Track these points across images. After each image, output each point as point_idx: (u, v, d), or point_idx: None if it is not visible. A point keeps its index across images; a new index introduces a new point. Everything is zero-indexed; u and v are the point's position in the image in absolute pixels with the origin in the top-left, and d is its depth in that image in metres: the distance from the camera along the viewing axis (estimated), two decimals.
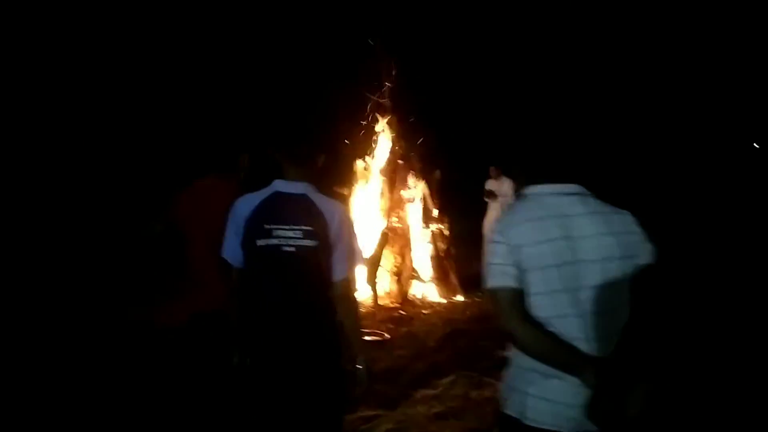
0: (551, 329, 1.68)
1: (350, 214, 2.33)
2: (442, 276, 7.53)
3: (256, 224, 2.21)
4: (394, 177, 7.61)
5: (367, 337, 5.69)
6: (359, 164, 7.78)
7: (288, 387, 2.21)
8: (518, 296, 1.70)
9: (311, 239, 2.16)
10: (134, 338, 5.10)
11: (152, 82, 10.42)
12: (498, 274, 1.72)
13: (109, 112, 10.39)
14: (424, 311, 6.85)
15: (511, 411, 1.77)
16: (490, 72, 11.07)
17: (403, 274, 7.30)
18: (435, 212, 7.83)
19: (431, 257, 7.64)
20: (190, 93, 10.43)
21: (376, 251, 7.17)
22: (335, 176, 7.88)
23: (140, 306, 6.04)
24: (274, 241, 2.17)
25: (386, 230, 7.34)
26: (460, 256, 8.52)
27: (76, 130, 10.17)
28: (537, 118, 1.96)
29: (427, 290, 7.44)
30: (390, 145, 7.80)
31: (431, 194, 7.88)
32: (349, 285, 2.27)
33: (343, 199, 7.75)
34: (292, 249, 2.16)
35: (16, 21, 9.48)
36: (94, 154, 10.17)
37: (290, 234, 2.17)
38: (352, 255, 2.26)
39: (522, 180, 1.89)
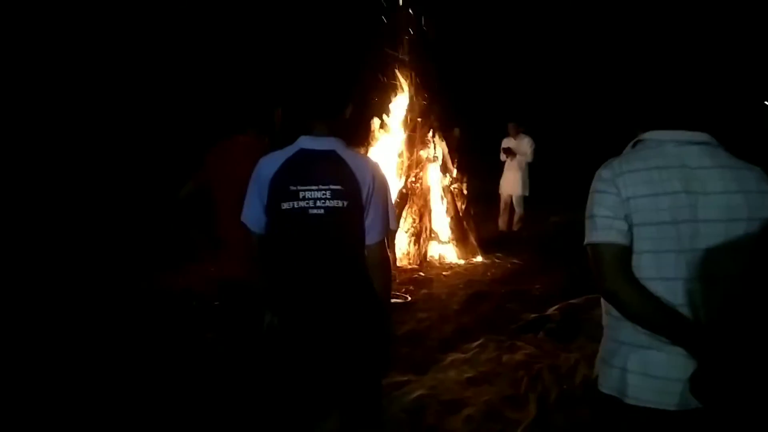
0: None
1: (383, 171, 2.11)
2: (461, 237, 7.38)
3: (281, 186, 2.01)
4: (412, 135, 7.38)
5: (407, 297, 5.61)
6: (376, 122, 7.54)
7: (326, 353, 2.08)
8: (626, 254, 1.54)
9: (341, 200, 1.98)
10: (155, 304, 5.02)
11: (183, 41, 10.11)
12: (603, 228, 1.55)
13: (143, 72, 10.12)
14: (443, 273, 6.73)
15: (607, 389, 1.61)
16: (509, 26, 10.67)
17: (422, 235, 7.15)
18: (454, 171, 7.63)
19: (450, 217, 7.47)
20: (220, 49, 10.13)
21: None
22: (352, 134, 7.67)
23: (166, 271, 5.96)
24: (301, 204, 1.99)
25: (405, 190, 7.17)
26: (478, 217, 8.38)
27: (111, 89, 9.94)
28: (665, 51, 1.72)
29: (445, 251, 7.31)
30: (408, 102, 7.54)
31: (450, 153, 7.66)
32: (383, 249, 2.10)
33: None
34: (320, 211, 1.98)
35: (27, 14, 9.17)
36: (129, 113, 9.97)
37: (318, 195, 1.98)
38: (386, 217, 2.08)
39: (638, 124, 1.68)
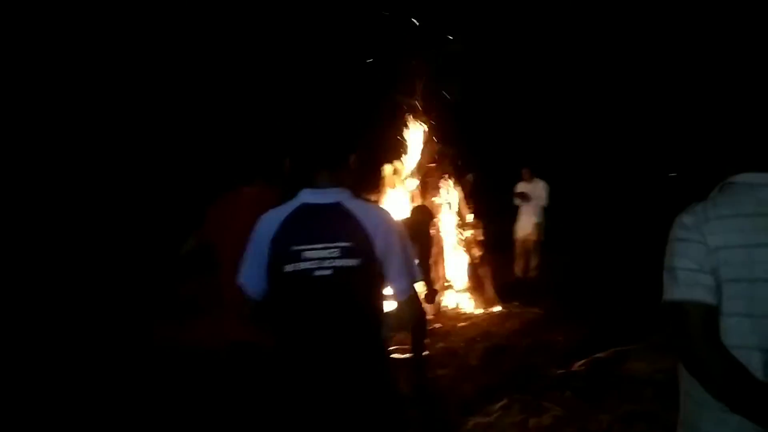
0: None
1: (396, 220, 1.93)
2: (477, 285, 7.13)
3: (282, 246, 1.82)
4: (426, 181, 7.24)
5: (405, 355, 5.33)
6: (388, 168, 7.41)
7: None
8: (713, 315, 1.34)
9: (352, 257, 1.77)
10: (159, 358, 4.79)
11: (190, 85, 10.11)
12: (687, 284, 1.35)
13: (148, 115, 10.10)
14: (459, 324, 6.46)
15: None
16: (522, 70, 10.66)
17: (437, 284, 6.91)
18: (469, 217, 7.44)
19: (466, 265, 7.24)
20: (228, 95, 10.11)
21: None
22: (364, 181, 7.54)
23: (167, 324, 5.74)
24: (306, 265, 1.78)
25: None
26: (494, 263, 8.14)
27: (114, 134, 9.91)
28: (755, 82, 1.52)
29: (461, 300, 7.05)
30: (421, 147, 7.43)
31: (465, 198, 7.48)
32: (415, 303, 1.97)
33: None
34: (328, 272, 1.77)
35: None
36: (133, 160, 9.91)
37: (324, 254, 1.77)
38: (409, 267, 1.89)
39: (723, 167, 1.48)
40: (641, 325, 5.54)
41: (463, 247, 7.28)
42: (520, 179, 8.45)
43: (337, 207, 1.84)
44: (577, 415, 3.90)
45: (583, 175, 11.35)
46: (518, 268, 8.58)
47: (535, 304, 7.02)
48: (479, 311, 6.93)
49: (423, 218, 5.07)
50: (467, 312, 6.88)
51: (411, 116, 7.40)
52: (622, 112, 11.37)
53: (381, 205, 1.93)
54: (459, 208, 7.39)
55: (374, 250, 1.79)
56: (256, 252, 1.88)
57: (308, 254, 1.79)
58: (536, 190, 8.27)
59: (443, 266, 7.03)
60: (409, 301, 1.92)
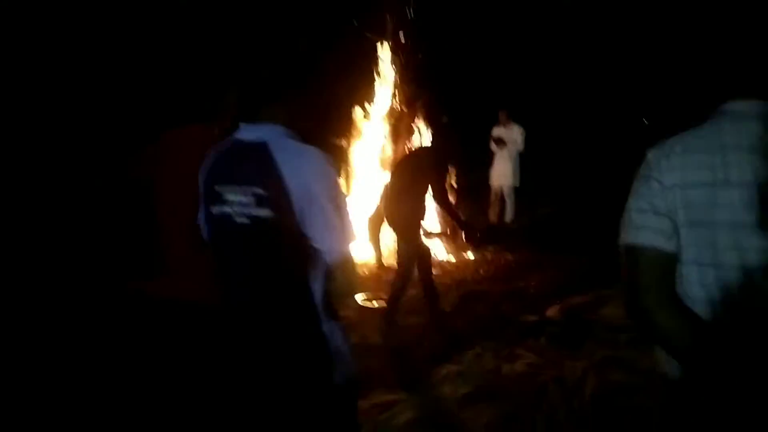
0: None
1: (330, 167, 1.57)
2: (450, 232, 6.94)
3: (208, 185, 1.61)
4: (397, 125, 6.92)
5: (374, 303, 5.17)
6: (358, 112, 7.08)
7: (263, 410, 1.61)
8: (669, 263, 1.17)
9: (264, 208, 1.48)
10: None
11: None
12: (641, 227, 1.18)
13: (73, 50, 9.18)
14: (433, 270, 6.27)
15: None
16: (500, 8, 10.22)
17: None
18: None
19: (438, 211, 7.03)
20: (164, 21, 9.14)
21: (379, 207, 6.57)
22: (332, 126, 7.20)
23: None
24: (227, 209, 1.55)
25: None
26: (468, 209, 7.97)
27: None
28: None
29: (434, 247, 6.86)
30: (392, 90, 7.08)
31: (437, 141, 7.20)
32: (347, 271, 1.55)
33: (341, 152, 7.11)
34: (246, 221, 1.51)
35: None
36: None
37: (243, 199, 1.51)
38: (337, 225, 1.52)
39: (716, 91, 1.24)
40: (617, 269, 5.46)
41: None
42: (497, 123, 8.20)
43: (261, 147, 1.53)
44: (551, 362, 3.79)
45: (562, 121, 11.12)
46: (492, 215, 8.43)
47: (509, 250, 6.90)
48: (452, 258, 6.77)
49: (426, 157, 4.80)
50: (440, 259, 6.71)
51: (381, 55, 7.01)
52: (604, 53, 11.07)
53: (315, 150, 1.56)
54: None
55: (290, 200, 1.47)
56: (200, 191, 1.66)
57: (229, 197, 1.55)
58: (512, 134, 8.04)
59: None
60: (341, 267, 1.53)
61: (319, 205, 1.49)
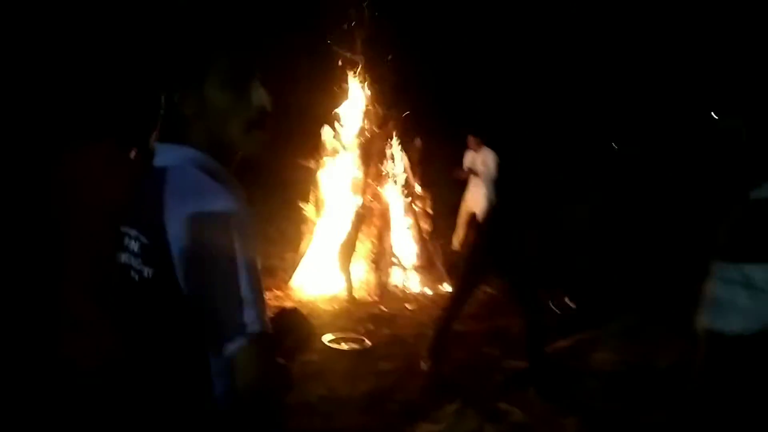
0: None
1: (242, 212, 1.06)
2: (426, 262, 6.50)
3: (116, 225, 1.19)
4: (369, 147, 6.49)
5: (343, 345, 4.66)
6: (327, 132, 6.62)
7: None
8: None
9: (148, 263, 1.08)
10: None
11: None
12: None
13: None
14: (408, 305, 5.83)
15: None
16: (478, 22, 9.94)
17: (382, 261, 6.25)
18: (417, 188, 6.76)
19: (414, 240, 6.59)
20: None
21: (350, 235, 6.12)
22: (299, 146, 6.75)
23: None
24: (125, 259, 1.14)
25: (361, 210, 6.26)
26: (443, 238, 7.55)
27: None
28: None
29: (409, 279, 6.41)
30: (363, 109, 6.65)
31: (412, 167, 6.79)
32: (251, 365, 1.06)
33: (310, 174, 6.64)
34: (137, 277, 1.10)
35: None
36: None
37: (134, 247, 1.11)
38: (243, 297, 1.04)
39: None
40: (603, 308, 5.10)
41: (411, 220, 6.62)
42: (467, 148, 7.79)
43: (162, 174, 1.10)
44: (540, 420, 3.37)
45: (539, 144, 10.82)
46: (456, 240, 7.99)
47: (488, 283, 6.47)
48: (429, 291, 6.31)
49: None
50: (415, 292, 6.26)
51: (352, 73, 6.59)
52: (577, 74, 10.88)
53: (223, 186, 1.06)
54: (406, 178, 6.69)
55: (170, 257, 1.03)
56: (108, 231, 1.25)
57: (127, 242, 1.13)
58: (485, 160, 7.66)
59: (389, 242, 6.35)
60: (247, 357, 1.04)
61: (215, 267, 1.02)
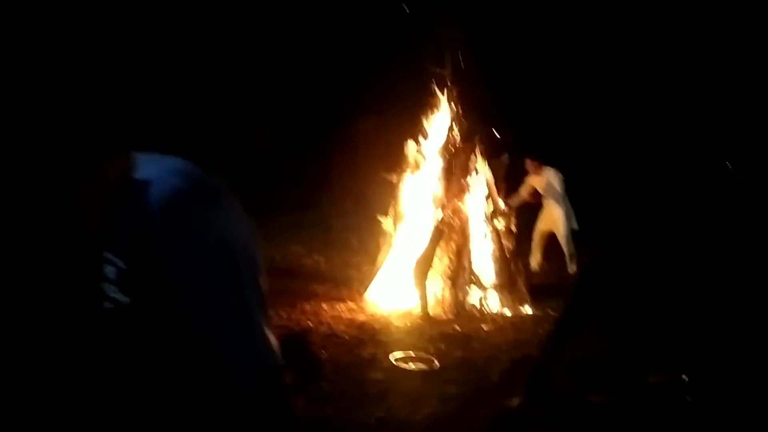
0: None
1: (250, 225, 0.97)
2: (507, 282, 6.22)
3: (93, 248, 0.97)
4: (452, 162, 6.34)
5: (410, 364, 4.51)
6: (411, 146, 6.55)
7: None
8: None
9: (124, 289, 0.90)
10: None
11: None
12: None
13: None
14: (484, 326, 5.59)
15: None
16: (571, 40, 9.56)
17: (459, 278, 6.04)
18: (501, 204, 6.51)
19: (495, 259, 6.33)
20: None
21: (427, 250, 5.97)
22: (381, 159, 6.72)
23: None
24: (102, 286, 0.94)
25: (440, 225, 6.10)
26: (527, 258, 7.23)
27: None
28: None
29: (488, 299, 6.15)
30: (449, 124, 6.51)
31: (497, 182, 6.55)
32: (269, 395, 0.94)
33: (391, 188, 6.59)
34: (110, 306, 0.91)
35: None
36: None
37: (109, 272, 0.92)
38: (256, 322, 0.93)
39: None
40: (699, 342, 4.61)
41: (494, 237, 6.36)
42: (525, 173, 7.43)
43: (139, 191, 0.93)
44: None
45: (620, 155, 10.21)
46: (535, 262, 7.62)
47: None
48: (508, 312, 6.03)
49: None
50: (494, 312, 5.99)
51: (438, 87, 6.48)
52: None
53: (229, 195, 0.92)
54: (490, 194, 6.46)
55: (171, 281, 0.89)
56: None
57: (103, 268, 0.94)
58: (549, 181, 7.27)
59: (468, 258, 6.14)
60: (261, 392, 0.91)
61: (229, 288, 0.90)
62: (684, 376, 3.84)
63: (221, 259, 0.90)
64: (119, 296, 0.89)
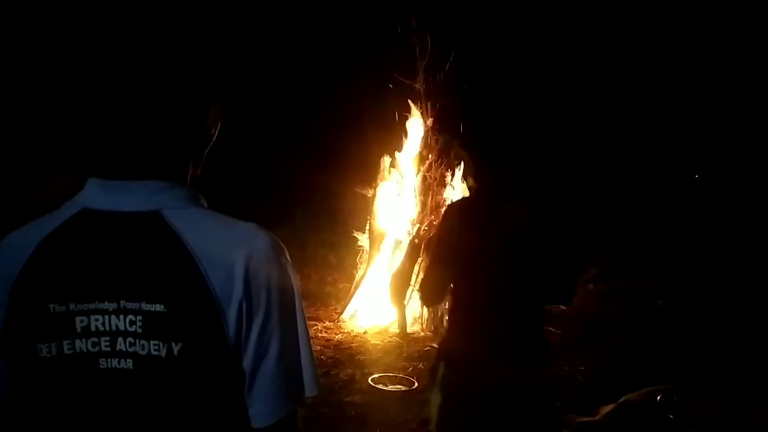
0: None
1: (284, 256, 0.92)
2: None
3: (30, 303, 0.85)
4: (427, 176, 6.29)
5: (389, 386, 4.41)
6: (385, 160, 6.48)
7: None
8: None
9: (166, 339, 0.82)
10: None
11: None
12: None
13: None
14: None
15: None
16: (545, 49, 9.62)
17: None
18: None
19: None
20: None
21: (404, 266, 5.87)
22: (357, 175, 6.64)
23: None
24: (84, 345, 0.84)
25: (417, 240, 6.03)
26: None
27: None
28: None
29: None
30: (423, 137, 6.47)
31: None
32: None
33: (367, 203, 6.51)
34: (127, 365, 0.83)
35: None
36: None
37: (121, 323, 0.82)
38: (295, 367, 0.91)
39: None
40: (683, 355, 4.62)
41: None
42: None
43: (151, 221, 0.85)
44: None
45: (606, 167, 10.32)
46: None
47: (552, 321, 6.05)
48: None
49: None
50: None
51: (411, 99, 6.44)
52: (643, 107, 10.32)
53: (254, 225, 0.90)
54: None
55: (221, 321, 0.82)
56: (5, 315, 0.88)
57: (87, 321, 0.83)
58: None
59: None
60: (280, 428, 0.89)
61: (267, 324, 0.87)
62: (658, 396, 3.80)
63: (274, 302, 0.89)
64: (156, 346, 0.82)
